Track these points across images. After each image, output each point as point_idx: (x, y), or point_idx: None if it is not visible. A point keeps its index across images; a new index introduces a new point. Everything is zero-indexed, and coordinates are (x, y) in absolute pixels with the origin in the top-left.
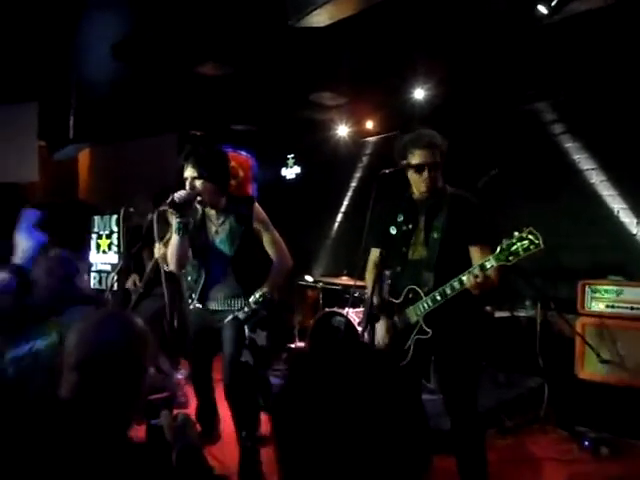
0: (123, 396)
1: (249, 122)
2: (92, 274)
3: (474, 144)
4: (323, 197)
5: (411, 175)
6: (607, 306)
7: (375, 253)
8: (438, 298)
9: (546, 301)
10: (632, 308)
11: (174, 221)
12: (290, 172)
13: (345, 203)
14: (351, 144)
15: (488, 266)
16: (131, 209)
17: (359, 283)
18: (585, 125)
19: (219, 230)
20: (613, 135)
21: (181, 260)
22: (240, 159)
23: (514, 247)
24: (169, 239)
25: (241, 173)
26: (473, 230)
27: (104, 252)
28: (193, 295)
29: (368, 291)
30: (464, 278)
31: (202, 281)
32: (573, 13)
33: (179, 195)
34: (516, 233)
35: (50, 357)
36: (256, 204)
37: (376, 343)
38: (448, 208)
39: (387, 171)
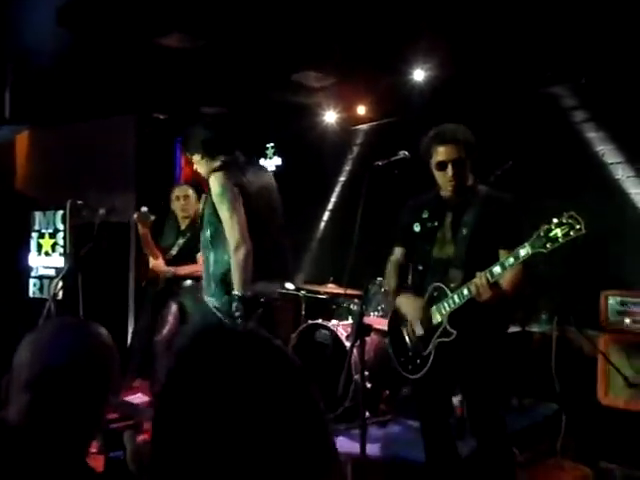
0: (81, 419)
1: (221, 104)
2: (32, 280)
3: (483, 133)
4: (307, 193)
5: (436, 174)
6: (634, 321)
7: (398, 252)
8: (465, 292)
9: (564, 314)
10: None
11: None
12: (269, 164)
13: (332, 200)
14: (340, 132)
15: (522, 253)
16: (80, 202)
17: (348, 292)
18: (611, 112)
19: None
20: None
21: None
22: None
23: (552, 232)
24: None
25: None
26: (504, 233)
27: (47, 254)
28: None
29: (389, 296)
30: (496, 269)
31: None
32: None
33: None
34: (555, 219)
35: None
36: (212, 176)
37: (409, 318)
38: (479, 207)
39: (380, 163)
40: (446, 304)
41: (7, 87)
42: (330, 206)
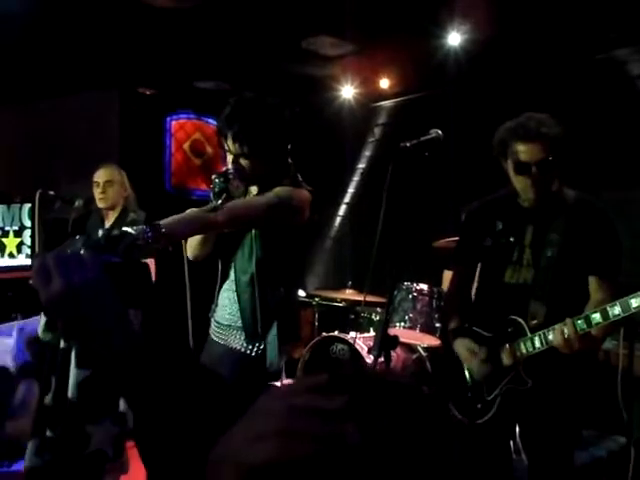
0: None
1: (219, 78)
2: None
3: (531, 107)
4: (319, 183)
5: (514, 177)
6: None
7: (460, 274)
8: (550, 339)
9: (632, 329)
10: None
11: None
12: None
13: (350, 191)
14: (359, 110)
15: (634, 305)
16: (51, 193)
17: (369, 299)
18: None
19: None
20: None
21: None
22: (207, 130)
23: None
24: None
25: (209, 149)
26: (599, 255)
27: (11, 256)
28: (213, 305)
29: (450, 321)
30: (595, 317)
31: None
32: None
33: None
34: None
35: None
36: None
37: (475, 376)
38: (568, 218)
39: (408, 144)
40: (523, 346)
41: None
42: (347, 199)
